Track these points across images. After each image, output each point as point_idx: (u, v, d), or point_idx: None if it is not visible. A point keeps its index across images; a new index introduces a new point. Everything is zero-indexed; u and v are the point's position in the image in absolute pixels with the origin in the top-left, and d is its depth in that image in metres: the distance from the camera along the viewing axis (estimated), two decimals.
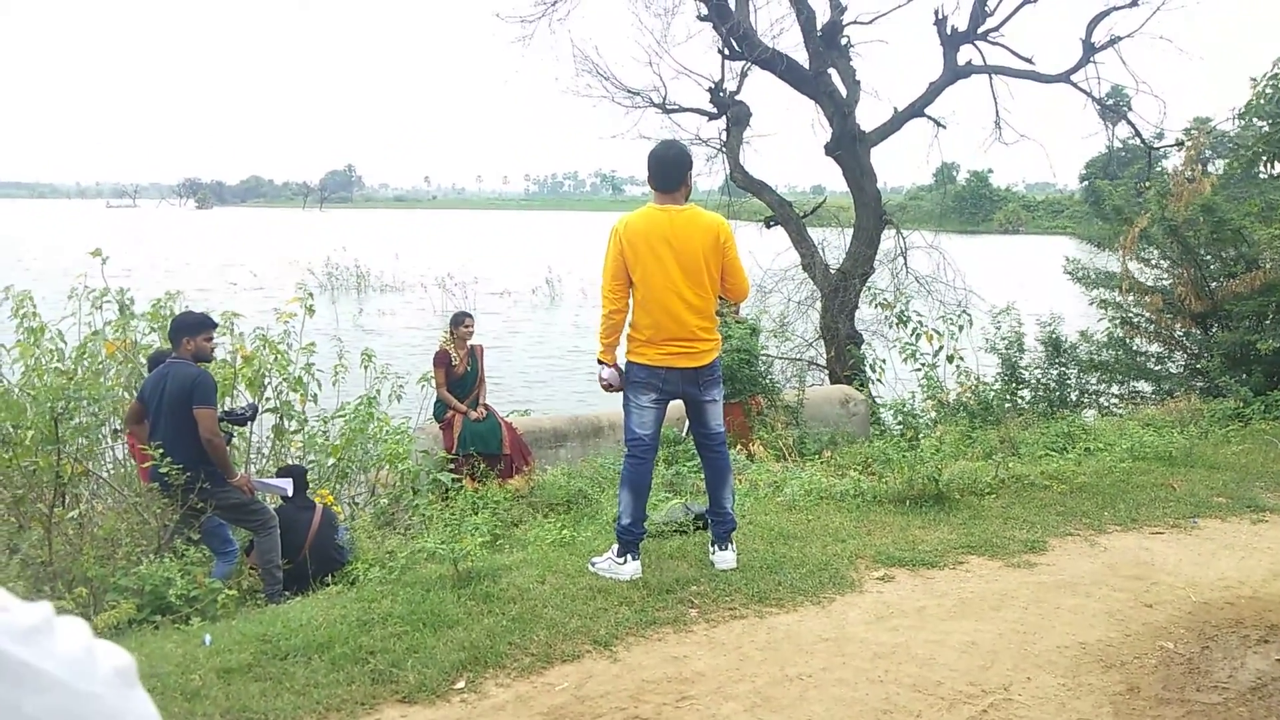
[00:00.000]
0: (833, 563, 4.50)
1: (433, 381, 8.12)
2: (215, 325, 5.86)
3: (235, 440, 6.76)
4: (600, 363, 4.52)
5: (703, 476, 4.84)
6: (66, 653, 0.50)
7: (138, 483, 5.93)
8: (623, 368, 4.50)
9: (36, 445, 5.55)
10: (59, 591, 4.44)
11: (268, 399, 7.54)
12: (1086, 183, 54.92)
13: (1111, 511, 5.34)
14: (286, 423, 7.62)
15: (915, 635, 3.76)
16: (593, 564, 4.41)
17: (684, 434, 7.48)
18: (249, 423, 6.52)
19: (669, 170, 4.35)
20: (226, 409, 6.50)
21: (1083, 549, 4.79)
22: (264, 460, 7.69)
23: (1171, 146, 13.25)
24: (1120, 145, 19.27)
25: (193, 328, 5.59)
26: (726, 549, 4.47)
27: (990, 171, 78.61)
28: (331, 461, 7.55)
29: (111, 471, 7.02)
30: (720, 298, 4.54)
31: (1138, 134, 13.19)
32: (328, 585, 5.04)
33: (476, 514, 5.87)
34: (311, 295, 8.34)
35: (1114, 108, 13.62)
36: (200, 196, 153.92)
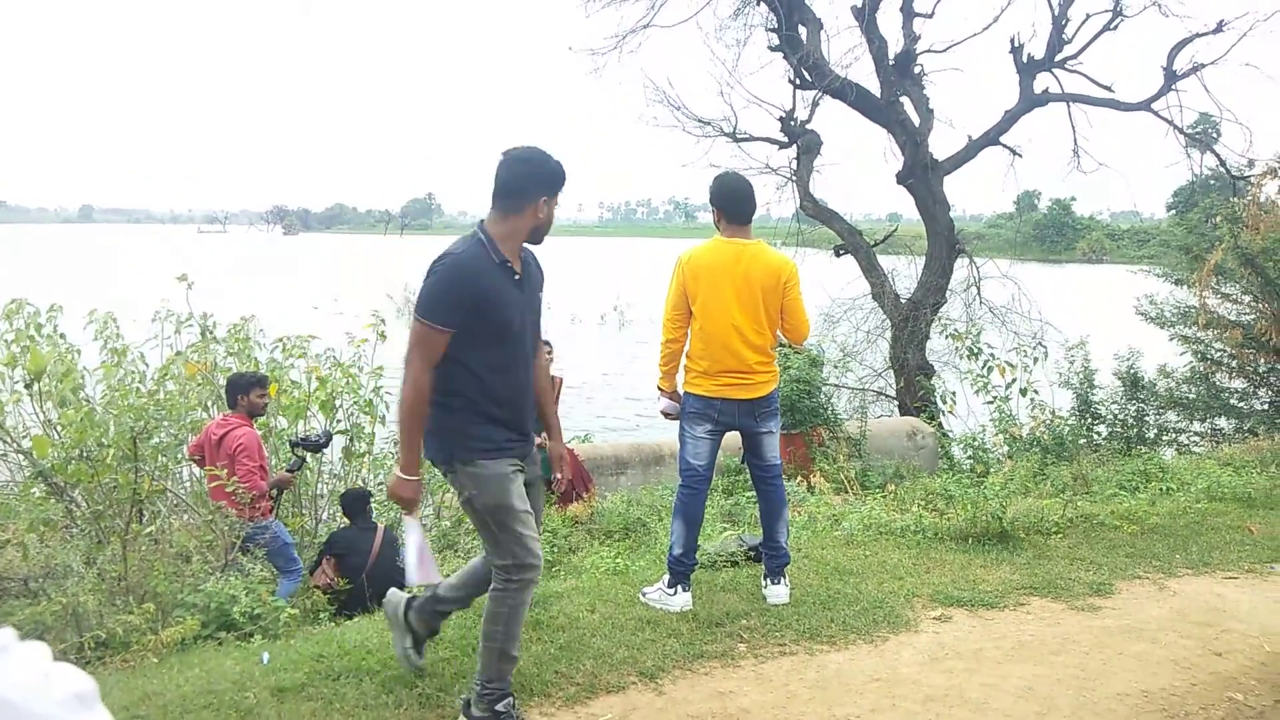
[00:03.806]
0: (888, 600, 4.42)
1: None
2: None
3: (309, 461, 6.92)
4: (660, 390, 4.56)
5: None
6: (21, 677, 0.53)
7: (209, 501, 6.12)
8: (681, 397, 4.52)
9: (117, 463, 5.76)
10: (129, 606, 4.59)
11: (338, 421, 7.71)
12: (1173, 212, 53.42)
13: (1183, 554, 5.15)
14: (356, 444, 7.79)
15: (970, 678, 3.67)
16: (644, 594, 4.41)
17: (742, 463, 7.44)
18: (323, 449, 6.68)
19: (747, 203, 4.37)
20: (301, 435, 6.68)
21: (1151, 593, 4.63)
22: (336, 481, 7.85)
23: (1263, 176, 12.82)
24: (1209, 173, 18.71)
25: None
26: (779, 583, 4.43)
27: (1073, 199, 76.82)
28: None
29: (188, 489, 7.25)
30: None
31: (1223, 164, 12.79)
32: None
33: None
34: (384, 321, 8.51)
35: (1199, 137, 13.23)
36: (287, 223, 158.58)
